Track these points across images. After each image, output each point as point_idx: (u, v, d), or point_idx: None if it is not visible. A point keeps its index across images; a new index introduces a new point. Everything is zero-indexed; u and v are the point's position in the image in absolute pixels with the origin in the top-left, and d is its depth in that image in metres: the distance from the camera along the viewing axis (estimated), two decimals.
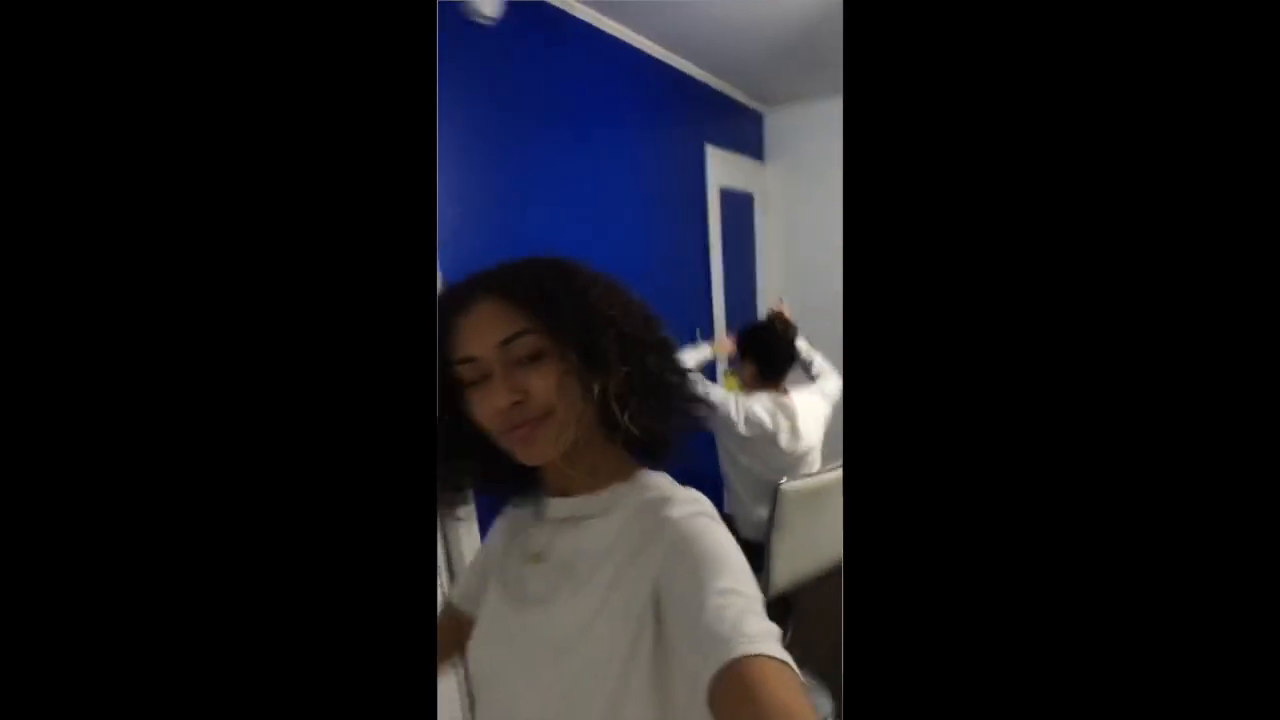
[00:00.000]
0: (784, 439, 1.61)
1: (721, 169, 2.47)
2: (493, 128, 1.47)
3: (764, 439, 1.60)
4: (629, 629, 0.48)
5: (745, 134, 2.72)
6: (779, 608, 1.60)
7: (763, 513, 1.58)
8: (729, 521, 0.81)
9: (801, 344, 1.75)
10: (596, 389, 0.50)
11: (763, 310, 2.82)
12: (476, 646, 0.60)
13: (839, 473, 1.58)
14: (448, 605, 0.71)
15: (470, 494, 0.62)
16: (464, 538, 1.31)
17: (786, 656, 0.39)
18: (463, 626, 0.67)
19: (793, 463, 1.64)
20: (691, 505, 0.52)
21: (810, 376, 1.81)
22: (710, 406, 1.55)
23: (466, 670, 0.62)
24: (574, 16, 1.69)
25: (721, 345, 1.93)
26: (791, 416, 1.63)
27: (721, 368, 2.24)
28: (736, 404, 1.60)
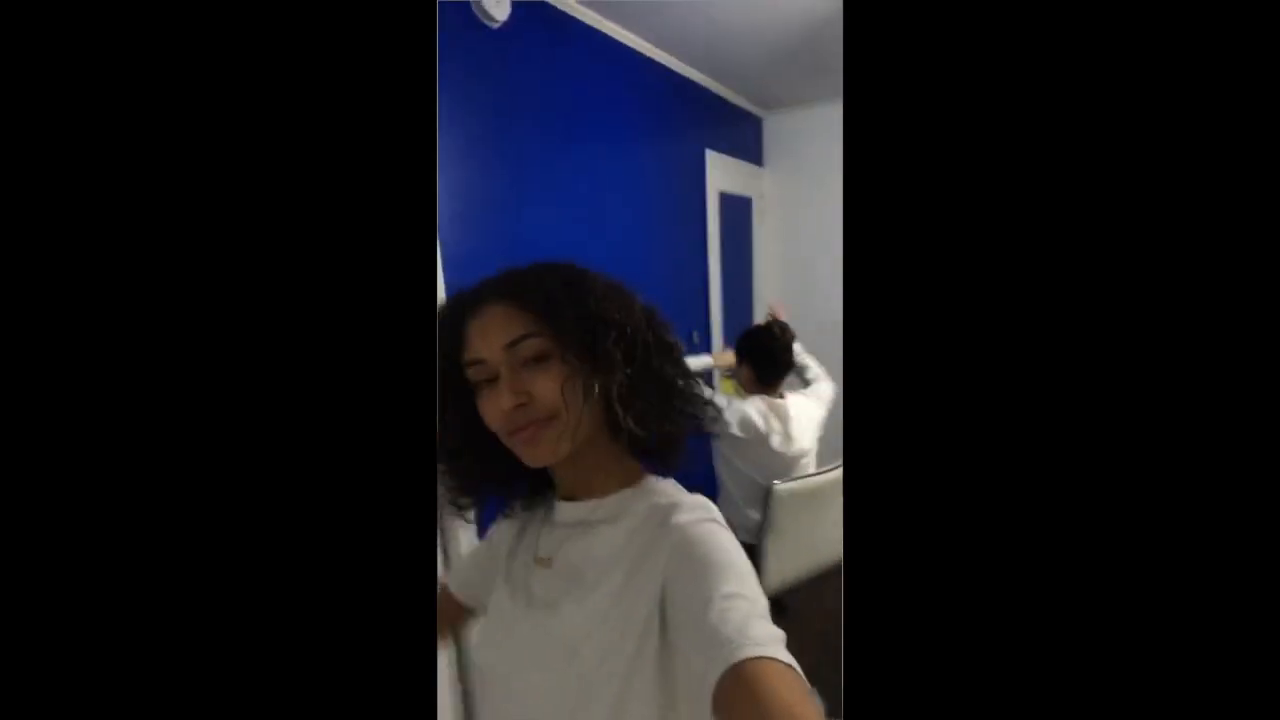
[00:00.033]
0: (776, 441, 1.62)
1: (721, 173, 2.47)
2: (493, 129, 1.47)
3: (756, 441, 1.61)
4: (635, 631, 0.49)
5: (744, 138, 2.73)
6: (771, 610, 1.60)
7: (755, 515, 1.58)
8: None
9: (796, 348, 1.76)
10: (597, 389, 0.51)
11: (759, 314, 2.83)
12: (482, 645, 0.61)
13: (832, 475, 1.59)
14: (442, 588, 0.72)
15: (483, 496, 0.62)
16: (462, 536, 1.31)
17: (791, 660, 0.40)
18: (454, 608, 0.69)
19: (785, 466, 1.64)
20: (698, 511, 0.53)
21: (804, 382, 1.82)
22: (716, 409, 1.56)
23: (461, 668, 0.62)
24: (575, 19, 1.70)
25: (721, 357, 1.93)
26: (784, 419, 1.64)
27: (718, 375, 2.25)
28: (731, 406, 1.61)
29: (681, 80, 2.21)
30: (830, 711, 0.36)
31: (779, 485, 1.51)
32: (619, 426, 0.53)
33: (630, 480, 0.58)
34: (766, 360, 1.67)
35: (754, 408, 1.62)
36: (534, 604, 0.56)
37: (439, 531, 1.30)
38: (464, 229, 1.38)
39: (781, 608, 1.61)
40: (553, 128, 1.65)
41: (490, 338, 0.52)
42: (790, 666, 0.39)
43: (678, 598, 0.47)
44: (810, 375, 1.82)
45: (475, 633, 0.63)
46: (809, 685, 0.40)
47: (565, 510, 0.59)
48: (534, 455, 0.53)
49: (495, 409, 0.52)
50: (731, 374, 1.84)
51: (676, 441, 0.58)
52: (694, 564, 0.48)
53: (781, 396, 1.69)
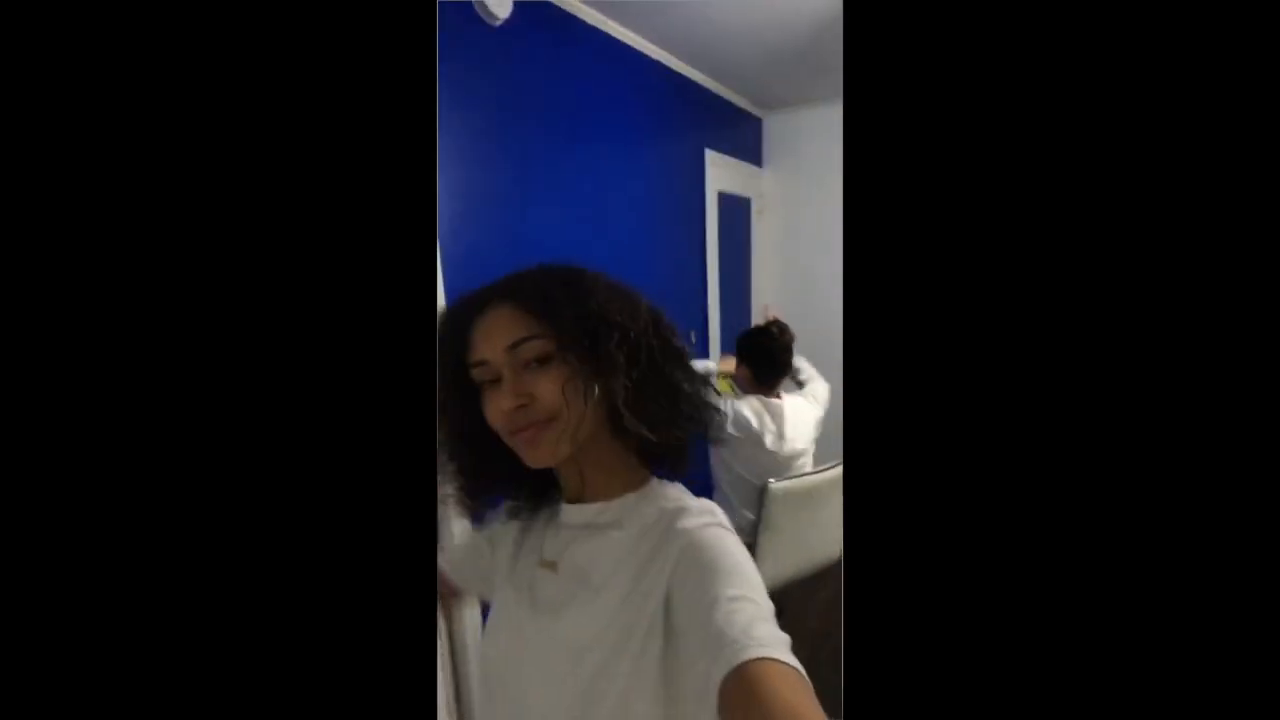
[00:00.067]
0: (769, 440, 1.62)
1: (720, 173, 2.48)
2: (494, 127, 1.47)
3: (750, 441, 1.61)
4: (640, 634, 0.49)
5: (744, 139, 2.73)
6: None
7: (750, 515, 1.59)
8: None
9: None
10: (596, 391, 0.51)
11: (756, 314, 2.83)
12: (487, 647, 0.61)
13: (828, 474, 1.59)
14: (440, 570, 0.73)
15: (491, 496, 0.63)
16: (455, 521, 1.31)
17: (796, 663, 0.40)
18: (446, 588, 0.70)
19: (778, 465, 1.64)
20: (705, 516, 0.53)
21: (798, 383, 1.82)
22: (722, 416, 1.57)
23: (455, 666, 0.63)
24: (576, 18, 1.70)
25: (725, 363, 1.93)
26: (779, 419, 1.65)
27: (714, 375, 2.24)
28: (725, 406, 1.61)
29: (682, 80, 2.21)
30: (827, 711, 0.36)
31: (774, 483, 1.52)
32: (624, 429, 0.53)
33: (636, 484, 0.58)
34: (765, 361, 1.68)
35: (749, 407, 1.63)
36: (538, 607, 0.57)
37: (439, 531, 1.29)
38: (466, 228, 1.38)
39: (778, 608, 1.61)
40: (553, 127, 1.65)
41: (493, 339, 0.52)
42: (795, 668, 0.39)
43: (684, 601, 0.48)
44: (803, 376, 1.83)
45: (481, 635, 0.63)
46: (812, 687, 0.40)
47: (570, 513, 0.59)
48: (535, 456, 0.53)
49: (497, 409, 0.52)
50: (731, 376, 1.84)
51: (684, 446, 0.59)
52: (700, 568, 0.48)
53: (778, 396, 1.69)
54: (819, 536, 1.64)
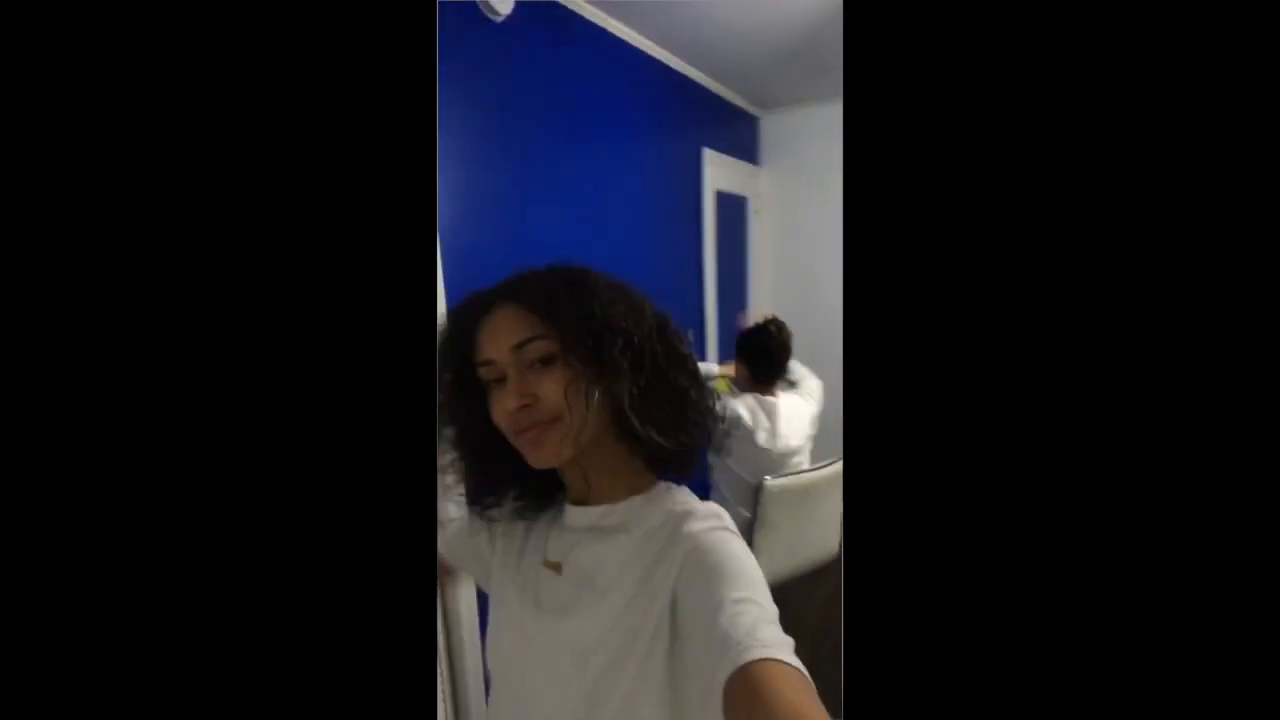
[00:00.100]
0: (762, 437, 1.63)
1: (718, 172, 2.48)
2: (495, 125, 1.47)
3: (743, 437, 1.62)
4: (646, 636, 0.50)
5: (741, 138, 2.73)
6: None
7: (746, 513, 1.59)
8: None
9: None
10: (598, 395, 0.52)
11: (753, 314, 2.83)
12: (492, 648, 0.62)
13: (824, 471, 1.60)
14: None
15: (498, 495, 0.63)
16: (451, 504, 1.30)
17: (800, 665, 0.40)
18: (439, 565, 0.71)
19: (771, 463, 1.65)
20: (711, 520, 0.54)
21: (789, 383, 1.83)
22: (727, 425, 1.57)
23: (452, 665, 0.63)
24: (577, 15, 1.70)
25: (726, 369, 1.94)
26: (772, 415, 1.65)
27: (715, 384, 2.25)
28: (720, 405, 1.61)
29: (680, 78, 2.21)
30: (827, 709, 0.36)
31: (770, 480, 1.52)
32: (629, 433, 0.53)
33: (641, 487, 0.58)
34: (763, 359, 1.68)
35: (743, 404, 1.63)
36: (543, 608, 0.57)
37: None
38: (465, 226, 1.38)
39: (777, 605, 1.61)
40: (552, 126, 1.65)
41: (499, 338, 0.53)
42: (798, 670, 0.40)
43: (689, 603, 0.48)
44: (794, 377, 1.83)
45: (487, 637, 0.63)
46: (815, 688, 0.40)
47: (575, 515, 0.60)
48: (538, 457, 0.53)
49: (502, 409, 0.53)
50: (730, 377, 1.85)
51: (692, 451, 0.59)
52: (705, 571, 0.48)
53: (773, 394, 1.70)
54: (816, 534, 1.64)
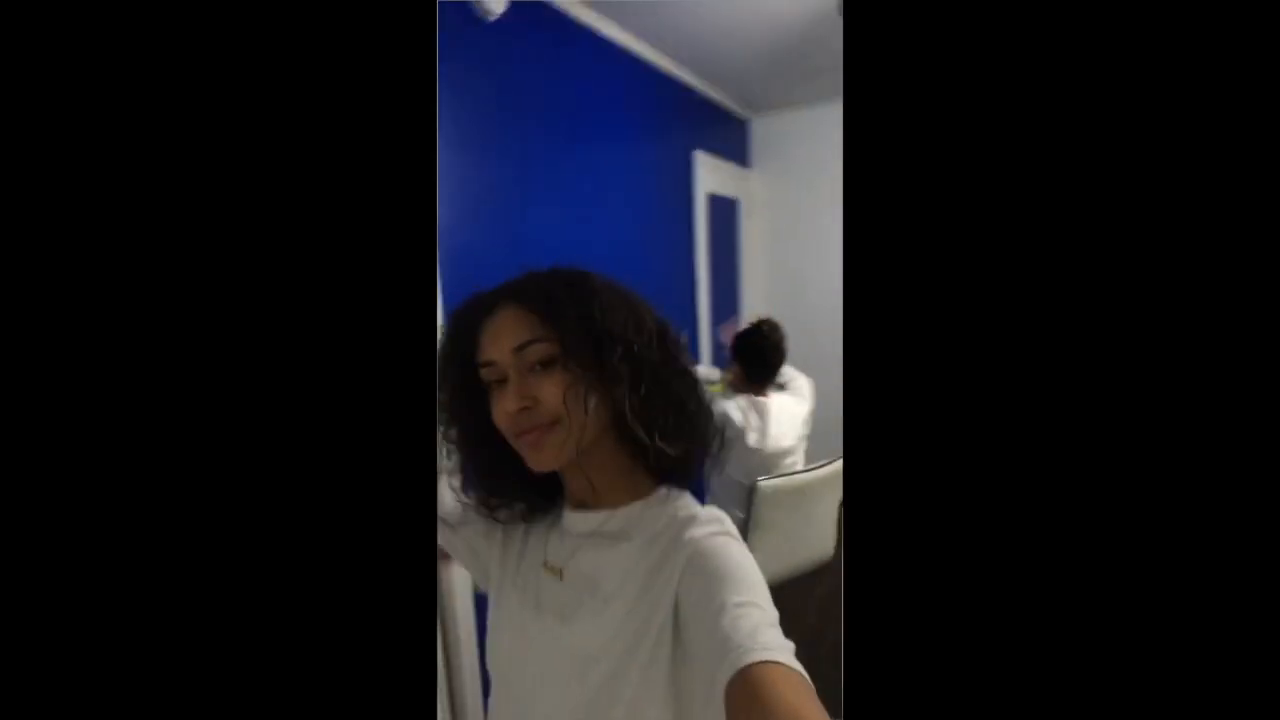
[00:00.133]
0: (753, 438, 1.63)
1: (709, 175, 2.49)
2: (492, 126, 1.47)
3: (733, 437, 1.62)
4: (648, 641, 0.50)
5: (732, 140, 2.74)
6: None
7: (740, 514, 1.60)
8: None
9: None
10: (594, 400, 0.52)
11: (745, 316, 2.84)
12: (494, 651, 0.61)
13: (819, 472, 1.60)
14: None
15: (502, 496, 0.63)
16: (446, 493, 1.30)
17: (801, 668, 0.40)
18: None
19: (762, 463, 1.65)
20: (712, 525, 0.54)
21: (778, 386, 1.83)
22: (725, 434, 1.57)
23: (449, 660, 0.63)
24: (569, 17, 1.70)
25: (726, 374, 1.94)
26: (763, 416, 1.66)
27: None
28: (714, 406, 1.61)
29: (671, 81, 2.22)
30: (827, 709, 0.36)
31: (763, 481, 1.53)
32: (630, 437, 0.53)
33: (642, 492, 0.58)
34: (757, 360, 1.69)
35: (734, 404, 1.64)
36: (543, 610, 0.57)
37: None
38: (463, 227, 1.38)
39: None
40: (549, 127, 1.65)
41: (501, 340, 0.53)
42: (799, 672, 0.40)
43: (691, 607, 0.48)
44: (783, 379, 1.84)
45: (486, 637, 0.63)
46: (815, 691, 0.40)
47: (576, 520, 0.59)
48: (538, 459, 0.53)
49: (503, 411, 0.53)
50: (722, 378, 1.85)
51: (692, 457, 0.59)
52: (707, 575, 0.49)
53: (766, 395, 1.70)
54: (813, 534, 1.65)
